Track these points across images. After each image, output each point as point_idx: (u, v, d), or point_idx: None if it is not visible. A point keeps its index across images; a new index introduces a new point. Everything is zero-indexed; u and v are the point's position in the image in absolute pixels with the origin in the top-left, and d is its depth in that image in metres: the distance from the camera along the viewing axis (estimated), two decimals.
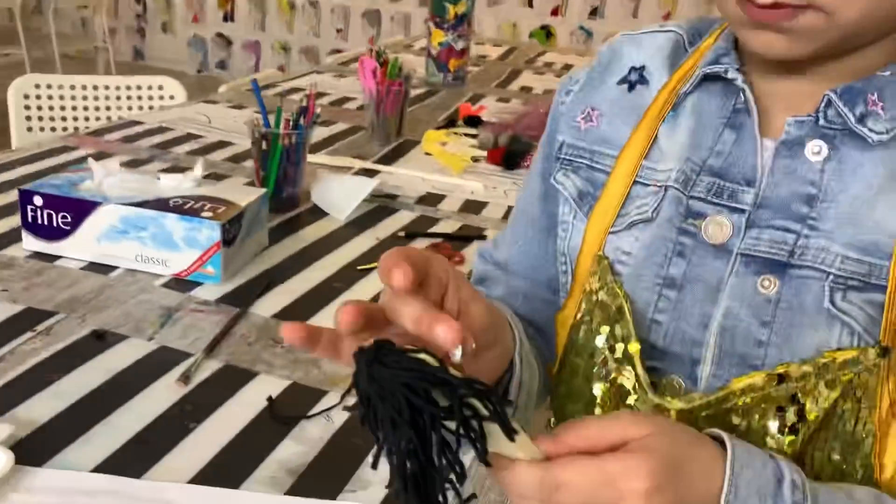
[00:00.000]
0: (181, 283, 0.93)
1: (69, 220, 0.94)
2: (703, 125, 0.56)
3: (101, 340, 0.80)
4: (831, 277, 0.49)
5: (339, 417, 0.72)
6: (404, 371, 0.36)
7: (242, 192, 1.00)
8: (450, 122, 1.76)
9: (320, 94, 1.95)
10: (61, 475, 0.61)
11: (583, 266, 0.59)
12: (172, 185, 0.99)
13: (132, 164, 1.28)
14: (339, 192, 1.20)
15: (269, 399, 0.73)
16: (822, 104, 0.51)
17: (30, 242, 0.96)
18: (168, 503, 0.60)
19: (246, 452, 0.66)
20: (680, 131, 0.57)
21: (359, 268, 1.03)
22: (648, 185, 0.57)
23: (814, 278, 0.49)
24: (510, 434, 0.37)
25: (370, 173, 1.37)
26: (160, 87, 2.00)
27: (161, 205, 0.93)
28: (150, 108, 1.93)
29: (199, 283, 0.93)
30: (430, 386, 0.36)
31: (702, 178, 0.54)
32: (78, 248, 0.95)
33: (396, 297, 0.40)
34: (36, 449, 0.63)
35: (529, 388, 0.54)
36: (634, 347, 0.53)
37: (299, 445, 0.68)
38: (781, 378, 0.49)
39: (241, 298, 0.91)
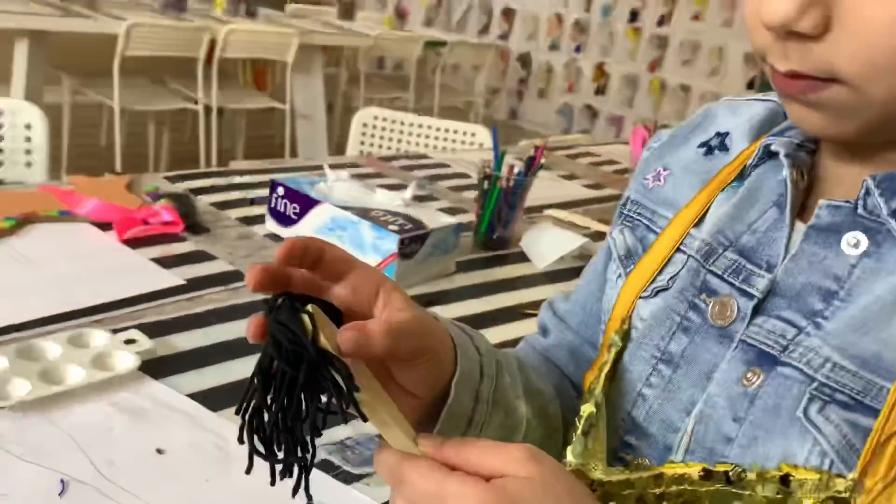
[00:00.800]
0: None
1: (297, 211, 1.12)
2: (754, 200, 0.51)
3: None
4: (815, 384, 0.42)
5: None
6: (279, 326, 0.38)
7: (438, 219, 1.10)
8: None
9: (611, 162, 2.00)
10: (163, 390, 0.75)
11: (611, 328, 0.57)
12: (383, 200, 1.12)
13: (393, 187, 1.46)
14: (546, 241, 1.23)
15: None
16: (862, 191, 0.44)
17: (270, 224, 1.17)
18: (225, 440, 0.70)
19: None
20: (729, 203, 0.53)
21: (525, 311, 1.05)
22: (685, 253, 0.54)
23: (796, 380, 0.43)
24: (361, 415, 0.38)
25: (602, 237, 1.37)
26: (473, 134, 2.22)
27: (363, 213, 1.06)
28: (454, 149, 2.14)
29: None
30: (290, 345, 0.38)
31: (727, 255, 0.50)
32: (298, 236, 1.13)
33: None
34: (161, 367, 0.78)
35: (489, 427, 0.50)
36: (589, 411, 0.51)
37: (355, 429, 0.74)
38: (720, 476, 0.43)
39: None
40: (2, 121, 1.59)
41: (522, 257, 1.24)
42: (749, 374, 0.46)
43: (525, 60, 6.03)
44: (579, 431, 0.50)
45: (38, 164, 1.62)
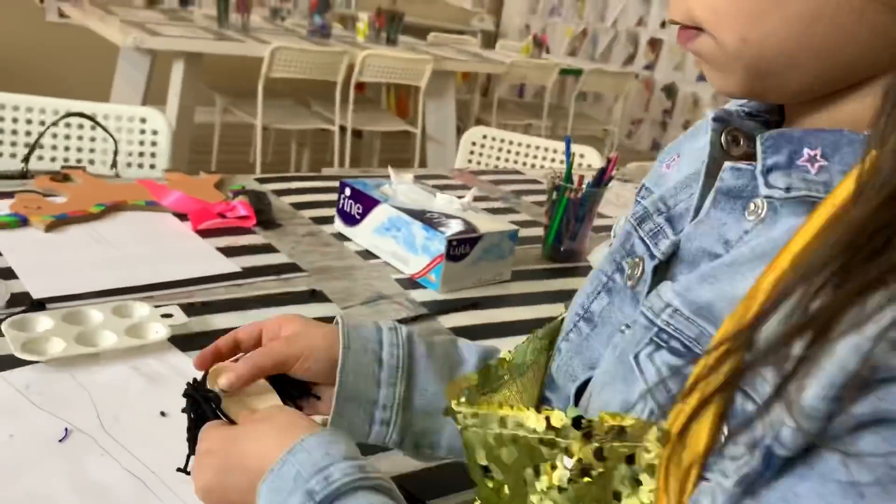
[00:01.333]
0: (410, 283, 1.06)
1: (361, 211, 1.15)
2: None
3: (311, 296, 0.98)
4: (655, 329, 0.42)
5: None
6: (190, 386, 0.59)
7: (494, 224, 1.09)
8: None
9: None
10: (185, 361, 0.79)
11: None
12: (442, 204, 1.13)
13: (478, 199, 1.46)
14: None
15: None
16: (760, 150, 0.42)
17: (338, 224, 1.21)
18: None
19: None
20: (686, 174, 0.51)
21: None
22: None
23: (642, 326, 0.43)
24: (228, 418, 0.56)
25: None
26: (582, 155, 2.18)
27: (418, 215, 1.08)
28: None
29: (422, 286, 1.05)
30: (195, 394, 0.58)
31: (655, 219, 0.49)
32: (361, 235, 1.16)
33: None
34: (191, 341, 0.83)
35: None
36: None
37: None
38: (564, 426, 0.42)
39: (443, 307, 1.00)
40: (133, 126, 1.75)
41: (589, 271, 1.20)
42: (623, 328, 0.47)
43: (671, 91, 5.87)
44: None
45: (161, 166, 1.77)
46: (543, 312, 1.04)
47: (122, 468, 0.63)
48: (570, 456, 0.41)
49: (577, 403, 0.52)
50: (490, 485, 0.46)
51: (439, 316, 0.98)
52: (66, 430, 0.66)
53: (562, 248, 1.22)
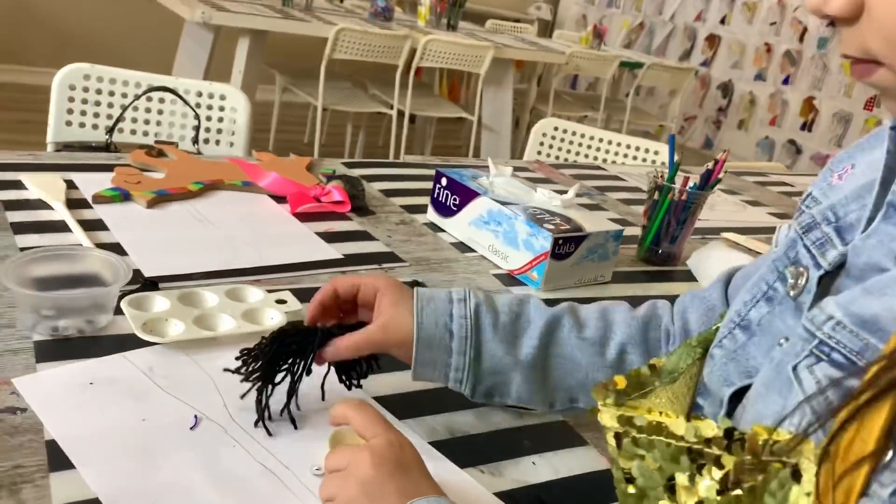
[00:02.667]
0: (509, 279, 1.04)
1: (457, 202, 1.13)
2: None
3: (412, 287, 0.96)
4: (816, 342, 0.41)
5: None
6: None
7: (598, 224, 1.06)
8: None
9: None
10: None
11: None
12: (543, 199, 1.10)
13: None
14: (715, 263, 1.15)
15: None
16: None
17: (431, 214, 1.18)
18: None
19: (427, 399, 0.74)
20: (860, 185, 0.50)
21: None
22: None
23: (801, 337, 0.43)
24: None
25: None
26: (656, 152, 2.13)
27: (520, 209, 1.05)
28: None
29: (522, 283, 1.03)
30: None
31: (823, 229, 0.49)
32: (456, 227, 1.13)
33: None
34: None
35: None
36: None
37: (478, 420, 0.72)
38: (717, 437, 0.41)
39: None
40: (213, 103, 1.74)
41: (688, 276, 1.17)
42: (782, 341, 0.46)
43: (726, 89, 5.75)
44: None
45: (239, 144, 1.76)
46: None
47: (256, 461, 0.61)
48: (720, 468, 0.40)
49: (731, 410, 0.51)
50: (631, 490, 0.45)
51: None
52: (196, 417, 0.65)
53: (659, 251, 1.19)
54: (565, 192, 1.12)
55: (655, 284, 1.13)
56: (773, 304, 0.51)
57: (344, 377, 0.70)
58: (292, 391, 0.67)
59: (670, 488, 0.42)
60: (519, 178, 1.16)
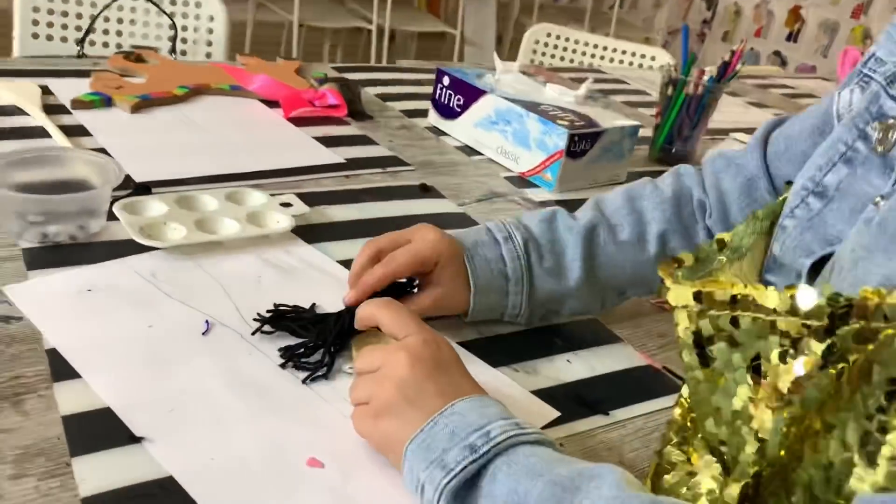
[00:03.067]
0: (521, 181, 0.98)
1: (462, 103, 1.06)
2: None
3: (424, 191, 0.90)
4: None
5: None
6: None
7: (613, 119, 1.00)
8: None
9: (809, 96, 1.80)
10: (313, 253, 0.72)
11: None
12: (554, 96, 1.04)
13: None
14: None
15: None
16: None
17: (432, 117, 1.12)
18: None
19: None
20: None
21: None
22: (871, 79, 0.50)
23: None
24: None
25: None
26: (653, 58, 2.06)
27: (531, 106, 0.99)
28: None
29: (535, 186, 0.98)
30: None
31: None
32: (460, 129, 1.07)
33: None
34: (315, 232, 0.76)
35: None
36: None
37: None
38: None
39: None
40: (188, 11, 1.64)
41: None
42: (878, 200, 0.42)
43: (710, 0, 5.61)
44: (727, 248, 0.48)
45: (217, 54, 1.67)
46: None
47: (277, 366, 0.57)
48: (821, 340, 0.34)
49: (810, 282, 0.47)
50: (702, 376, 0.40)
51: None
52: (208, 322, 0.60)
53: (673, 150, 1.14)
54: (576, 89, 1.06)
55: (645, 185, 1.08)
56: (853, 165, 0.47)
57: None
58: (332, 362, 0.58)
59: (755, 369, 0.38)
60: (528, 73, 1.09)
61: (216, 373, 0.55)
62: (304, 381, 0.55)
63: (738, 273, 0.48)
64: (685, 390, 0.43)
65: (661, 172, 1.10)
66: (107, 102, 0.96)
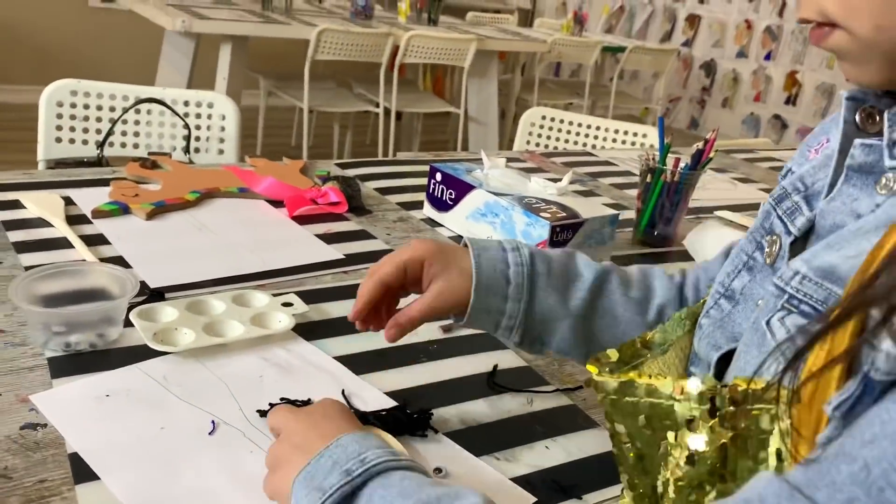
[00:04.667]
0: None
1: (453, 196, 1.14)
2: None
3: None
4: (786, 296, 0.44)
5: (539, 404, 0.75)
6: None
7: (594, 209, 1.07)
8: None
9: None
10: (312, 350, 0.79)
11: None
12: (537, 188, 1.11)
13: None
14: (711, 240, 1.17)
15: (494, 367, 0.80)
16: (886, 126, 0.46)
17: (427, 209, 1.19)
18: (364, 400, 0.72)
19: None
20: (826, 154, 0.53)
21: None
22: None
23: (773, 294, 0.45)
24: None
25: None
26: (644, 135, 2.15)
27: (516, 200, 1.06)
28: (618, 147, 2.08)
29: None
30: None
31: (793, 198, 0.52)
32: (453, 221, 1.14)
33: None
34: (314, 330, 0.82)
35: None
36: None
37: (490, 408, 0.73)
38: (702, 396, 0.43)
39: None
40: (201, 111, 1.75)
41: (685, 256, 1.19)
42: (759, 301, 0.49)
43: (709, 68, 5.77)
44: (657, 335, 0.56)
45: (229, 151, 1.77)
46: None
47: None
48: (707, 420, 0.42)
49: (718, 374, 0.53)
50: (631, 455, 0.48)
51: None
52: (213, 423, 0.66)
53: (655, 233, 1.20)
54: (559, 180, 1.13)
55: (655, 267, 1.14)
56: (753, 272, 0.54)
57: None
58: None
59: (664, 447, 0.44)
60: (513, 168, 1.17)
61: (221, 470, 0.60)
62: None
63: (661, 367, 0.54)
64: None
65: (645, 255, 1.17)
66: (124, 211, 1.04)
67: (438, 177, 1.16)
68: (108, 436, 0.62)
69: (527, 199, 1.06)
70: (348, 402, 0.70)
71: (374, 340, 0.82)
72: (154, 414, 0.66)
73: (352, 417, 0.57)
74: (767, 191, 1.62)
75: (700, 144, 1.17)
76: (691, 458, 0.42)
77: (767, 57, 5.42)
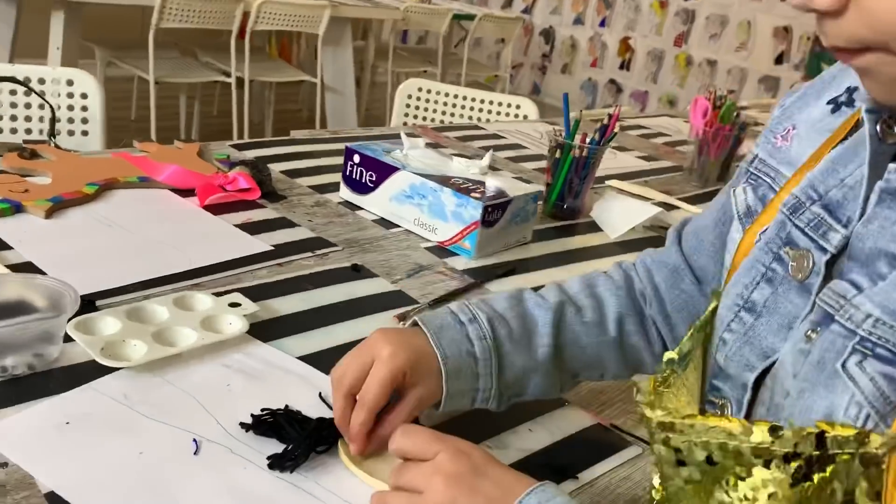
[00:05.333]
0: (441, 251, 1.05)
1: (374, 178, 1.12)
2: (853, 155, 0.51)
3: (355, 272, 0.95)
4: (857, 338, 0.44)
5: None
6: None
7: (517, 187, 1.09)
8: None
9: (660, 135, 1.98)
10: (273, 352, 0.75)
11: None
12: (461, 168, 1.11)
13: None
14: (618, 211, 1.22)
15: None
16: None
17: (344, 192, 1.16)
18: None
19: None
20: (829, 158, 0.53)
21: None
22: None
23: (840, 335, 0.45)
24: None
25: (667, 208, 1.36)
26: (518, 107, 2.20)
27: (443, 180, 1.05)
28: (498, 122, 2.12)
29: (455, 254, 1.04)
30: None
31: (812, 209, 0.51)
32: (375, 203, 1.12)
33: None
34: (267, 330, 0.78)
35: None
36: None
37: None
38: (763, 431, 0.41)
39: (483, 275, 1.00)
40: (58, 90, 1.59)
41: (592, 227, 1.23)
42: (810, 333, 0.48)
43: (548, 35, 5.97)
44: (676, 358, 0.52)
45: (94, 135, 1.62)
46: (572, 272, 1.05)
47: (277, 477, 0.59)
48: (789, 462, 0.40)
49: (755, 392, 0.53)
50: (685, 474, 0.44)
51: (485, 284, 0.98)
52: (196, 441, 0.61)
53: (564, 206, 1.24)
54: (468, 157, 1.14)
55: (569, 239, 1.18)
56: (774, 284, 0.52)
57: None
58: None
59: (727, 482, 0.42)
60: (434, 148, 1.16)
61: (219, 492, 0.57)
62: (291, 471, 0.60)
63: (684, 383, 0.53)
64: (656, 481, 0.47)
65: (558, 228, 1.21)
66: (17, 209, 0.93)
67: (356, 158, 1.13)
68: (83, 469, 0.56)
69: (453, 180, 1.06)
70: (326, 404, 0.68)
71: (333, 336, 0.80)
72: (127, 438, 0.60)
73: (502, 465, 0.52)
74: (645, 158, 1.72)
75: (605, 119, 1.22)
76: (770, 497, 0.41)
77: (602, 23, 5.68)
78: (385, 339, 0.61)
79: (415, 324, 0.65)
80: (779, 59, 4.96)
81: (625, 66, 5.65)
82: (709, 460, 0.42)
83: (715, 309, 0.58)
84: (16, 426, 0.60)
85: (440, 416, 0.67)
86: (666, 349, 0.71)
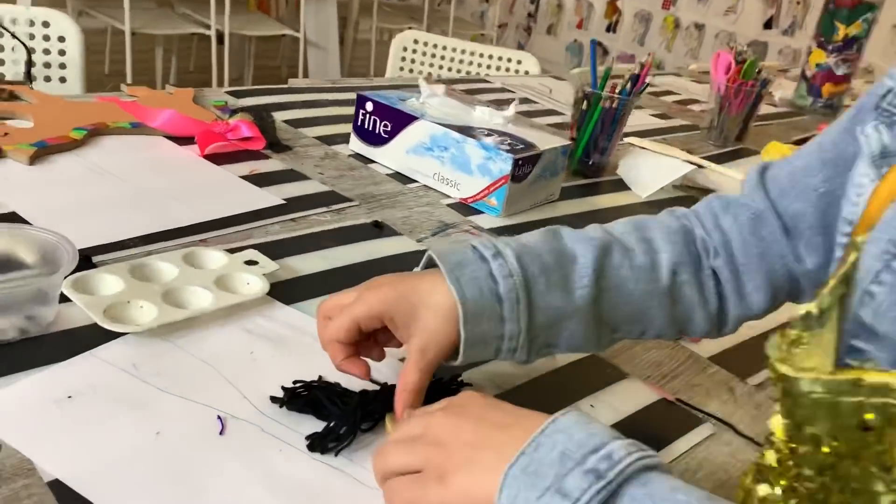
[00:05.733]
0: (464, 208, 0.96)
1: (389, 129, 1.02)
2: None
3: (377, 229, 0.86)
4: None
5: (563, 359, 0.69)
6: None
7: (546, 139, 1.00)
8: (803, 143, 1.59)
9: (669, 93, 1.90)
10: (298, 316, 0.66)
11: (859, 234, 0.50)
12: (484, 118, 1.02)
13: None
14: (647, 170, 1.15)
15: None
16: None
17: (355, 143, 1.07)
18: (376, 368, 0.61)
19: None
20: None
21: None
22: None
23: None
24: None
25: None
26: (519, 62, 2.10)
27: (467, 131, 0.97)
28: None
29: (479, 212, 0.96)
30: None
31: None
32: (389, 156, 1.03)
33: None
34: (286, 291, 0.70)
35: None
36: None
37: (515, 368, 0.66)
38: None
39: (511, 233, 0.91)
40: (33, 31, 1.46)
41: (619, 185, 1.16)
42: None
43: None
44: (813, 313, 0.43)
45: (73, 80, 1.50)
46: None
47: (318, 461, 0.51)
48: None
49: None
50: (825, 450, 0.39)
51: None
52: (220, 419, 0.53)
53: (590, 162, 1.16)
54: (503, 107, 1.05)
55: (597, 198, 1.10)
56: None
57: None
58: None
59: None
60: (452, 97, 1.07)
61: (253, 479, 0.48)
62: (335, 454, 0.52)
63: (819, 343, 0.46)
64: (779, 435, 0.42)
65: (585, 186, 1.13)
66: None
67: (369, 107, 1.03)
68: (93, 453, 0.48)
69: (476, 131, 0.97)
70: (374, 381, 0.60)
71: None
72: (141, 416, 0.52)
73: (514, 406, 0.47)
74: (659, 116, 1.64)
75: (636, 69, 1.13)
76: None
77: None
78: (369, 282, 0.56)
79: (431, 264, 0.56)
80: (767, 24, 4.89)
81: (611, 28, 5.54)
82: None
83: (855, 261, 0.50)
84: (9, 401, 0.51)
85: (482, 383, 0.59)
86: (721, 307, 0.63)
